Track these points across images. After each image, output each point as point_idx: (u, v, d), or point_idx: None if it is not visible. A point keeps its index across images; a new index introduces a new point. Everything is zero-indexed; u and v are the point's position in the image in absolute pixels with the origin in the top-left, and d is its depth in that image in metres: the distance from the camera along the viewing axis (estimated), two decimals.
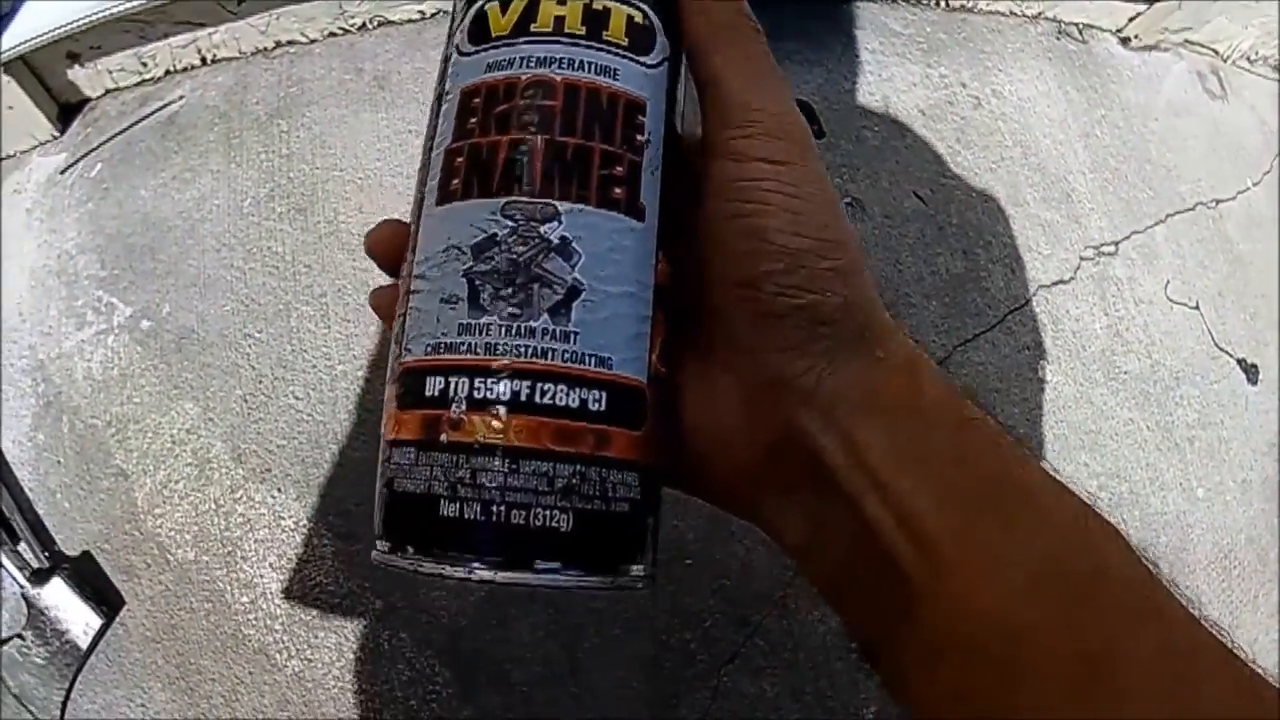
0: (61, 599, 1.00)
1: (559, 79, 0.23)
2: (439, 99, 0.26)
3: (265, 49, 1.23)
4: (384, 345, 1.11)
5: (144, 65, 1.22)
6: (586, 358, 0.22)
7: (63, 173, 1.20)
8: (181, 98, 1.22)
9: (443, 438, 0.22)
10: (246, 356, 1.12)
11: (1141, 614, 0.20)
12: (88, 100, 1.24)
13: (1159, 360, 1.35)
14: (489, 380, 0.22)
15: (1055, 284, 1.33)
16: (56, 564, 1.02)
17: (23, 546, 1.03)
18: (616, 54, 0.24)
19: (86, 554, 1.05)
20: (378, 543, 0.24)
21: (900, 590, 0.21)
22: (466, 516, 0.22)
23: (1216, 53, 1.54)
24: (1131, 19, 1.47)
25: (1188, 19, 1.46)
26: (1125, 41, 1.51)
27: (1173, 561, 1.26)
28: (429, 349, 0.23)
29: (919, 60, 1.40)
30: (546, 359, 0.22)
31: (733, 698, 1.05)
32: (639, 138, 0.24)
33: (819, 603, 1.10)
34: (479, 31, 0.25)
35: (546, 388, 0.22)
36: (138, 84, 1.23)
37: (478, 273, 0.23)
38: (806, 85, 1.35)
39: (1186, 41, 1.52)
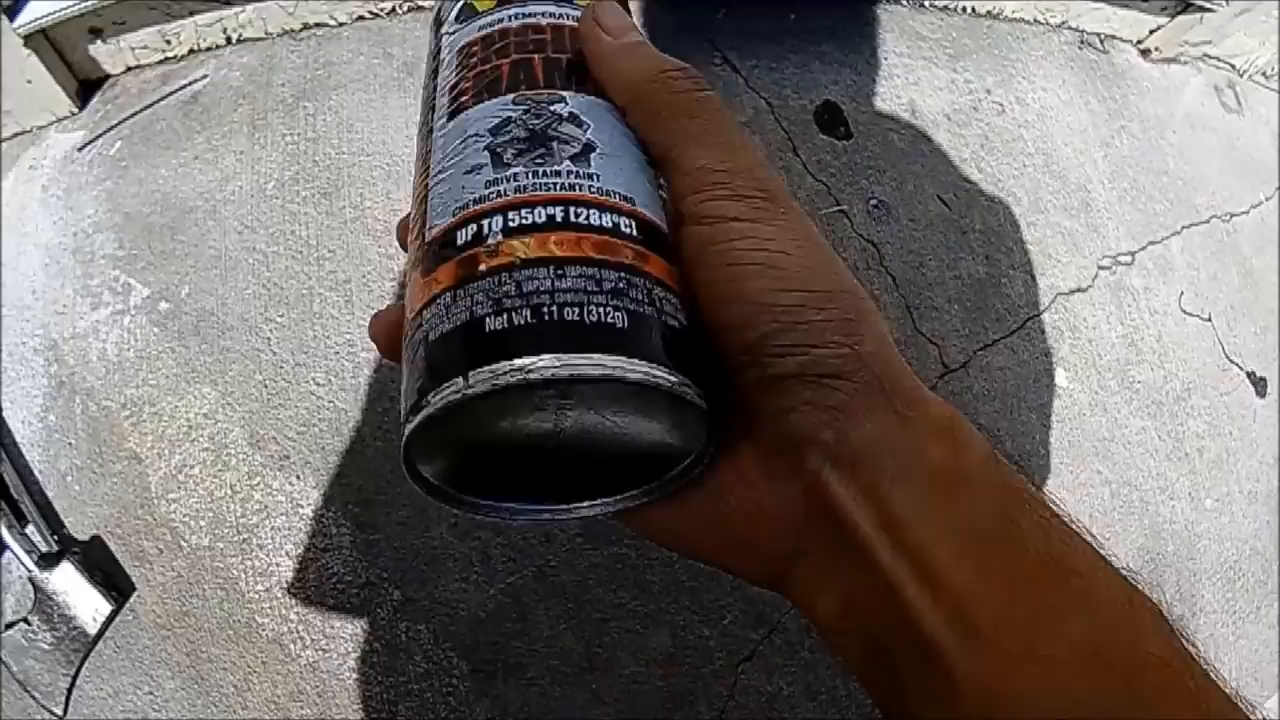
0: (70, 584, 0.98)
1: (545, 23, 0.27)
2: (434, 73, 0.28)
3: (292, 30, 1.22)
4: None
5: (168, 43, 1.20)
6: (612, 193, 0.23)
7: (81, 149, 1.18)
8: (205, 77, 1.21)
9: (481, 267, 0.21)
10: (267, 341, 1.10)
11: (1182, 700, 0.20)
12: (108, 77, 1.22)
13: (1171, 371, 1.36)
14: (523, 210, 0.22)
15: (1074, 292, 1.34)
16: (66, 548, 1.00)
17: (31, 529, 1.01)
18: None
19: (97, 538, 1.03)
20: (410, 419, 0.21)
21: (937, 672, 0.20)
22: (516, 323, 0.20)
23: (1234, 67, 1.56)
24: (1152, 31, 1.49)
25: (1207, 33, 1.48)
26: (1145, 53, 1.53)
27: (1179, 571, 1.27)
28: (455, 211, 0.23)
29: (945, 65, 1.41)
30: (576, 191, 0.22)
31: (749, 695, 1.05)
32: None
33: None
34: (467, 12, 0.28)
35: (580, 210, 0.22)
36: (160, 62, 1.22)
37: (498, 143, 0.23)
38: (835, 86, 1.35)
39: (1205, 55, 1.54)
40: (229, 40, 1.22)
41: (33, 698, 0.97)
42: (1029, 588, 0.20)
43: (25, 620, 0.99)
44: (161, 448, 1.06)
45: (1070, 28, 1.50)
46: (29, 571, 0.98)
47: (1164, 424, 1.33)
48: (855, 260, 1.26)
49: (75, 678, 0.97)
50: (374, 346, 0.27)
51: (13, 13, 1.07)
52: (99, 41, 1.17)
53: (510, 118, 0.24)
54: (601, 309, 0.20)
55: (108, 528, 1.03)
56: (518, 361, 0.19)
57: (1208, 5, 1.40)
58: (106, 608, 0.98)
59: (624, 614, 1.04)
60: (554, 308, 0.20)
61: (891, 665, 0.21)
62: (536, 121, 0.24)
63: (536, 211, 0.22)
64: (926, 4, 1.44)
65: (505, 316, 0.20)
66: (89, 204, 1.16)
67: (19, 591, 0.99)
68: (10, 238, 1.14)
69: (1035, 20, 1.49)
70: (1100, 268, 1.37)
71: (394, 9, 1.25)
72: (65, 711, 0.96)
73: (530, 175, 0.22)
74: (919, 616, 0.20)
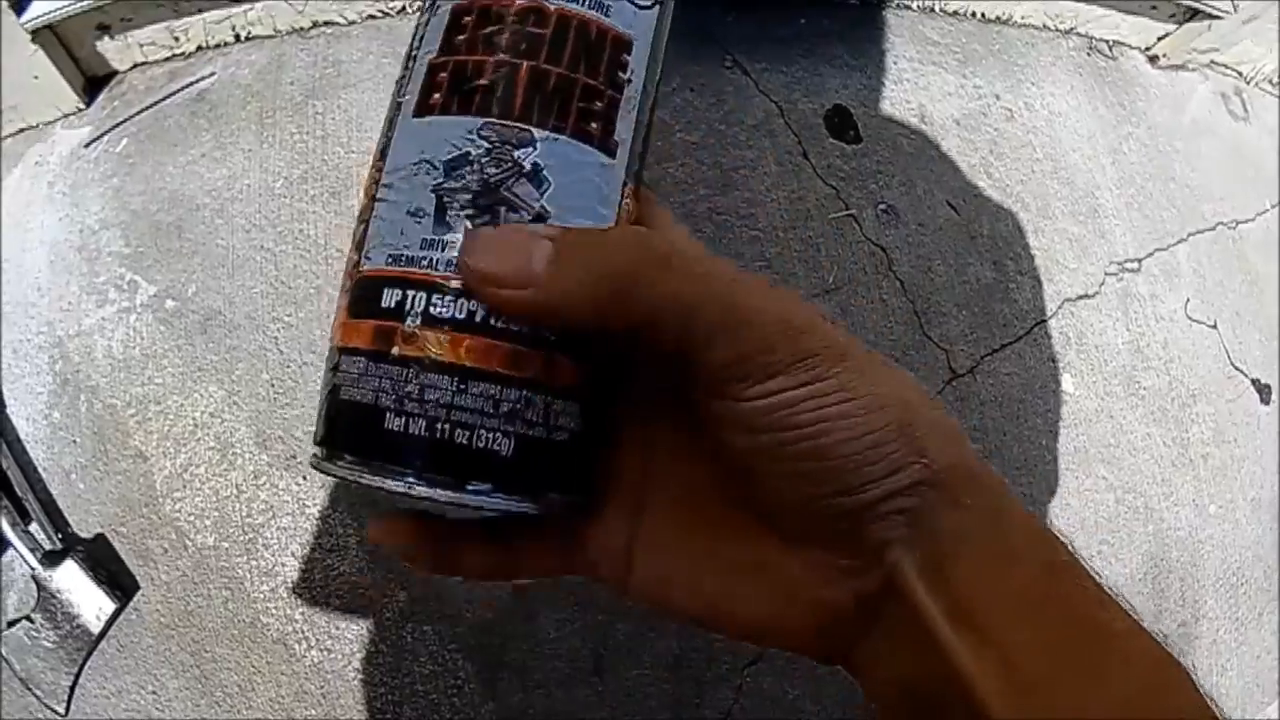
0: (74, 582, 0.98)
1: (552, 8, 0.24)
2: (430, 9, 0.26)
3: (302, 29, 1.22)
4: None
5: (176, 40, 1.20)
6: None
7: (87, 146, 1.18)
8: (213, 74, 1.20)
9: (395, 350, 0.22)
10: (275, 340, 1.10)
11: None
12: (115, 73, 1.21)
13: (1177, 377, 1.36)
14: (446, 298, 0.22)
15: (1080, 298, 1.35)
16: (69, 546, 1.00)
17: (34, 527, 1.00)
18: None
19: (101, 537, 1.02)
20: (316, 449, 0.24)
21: None
22: (411, 432, 0.22)
23: (1240, 74, 1.57)
24: (1160, 38, 1.49)
25: (1215, 40, 1.48)
26: (1153, 60, 1.53)
27: (1183, 576, 1.28)
28: (389, 260, 0.23)
29: (955, 70, 1.41)
30: None
31: (755, 698, 1.05)
32: (621, 75, 0.24)
33: None
34: None
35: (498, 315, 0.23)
36: (168, 59, 1.21)
37: (447, 189, 0.23)
38: (845, 90, 1.35)
39: (1212, 62, 1.54)
40: (237, 38, 1.22)
41: (35, 696, 0.96)
42: (1074, 650, 0.22)
43: (28, 618, 0.98)
44: (167, 446, 1.05)
45: (1079, 34, 1.50)
46: (32, 569, 0.98)
47: (1169, 430, 1.33)
48: (864, 264, 1.27)
49: (78, 676, 0.97)
50: None
51: (20, 8, 1.07)
52: (106, 38, 1.17)
53: (469, 155, 0.23)
54: (491, 434, 0.22)
55: (112, 526, 1.02)
56: (399, 486, 0.22)
57: (1215, 13, 1.41)
58: (110, 606, 0.98)
59: (630, 617, 1.04)
60: (447, 426, 0.22)
61: None
62: (494, 171, 0.23)
63: (459, 304, 0.22)
64: (936, 9, 1.44)
65: (403, 420, 0.22)
66: (95, 201, 1.16)
67: (22, 589, 0.99)
68: (15, 234, 1.14)
69: (1044, 26, 1.49)
70: (1107, 274, 1.37)
71: (404, 8, 1.25)
72: (67, 710, 0.96)
73: None
74: (973, 681, 0.21)
